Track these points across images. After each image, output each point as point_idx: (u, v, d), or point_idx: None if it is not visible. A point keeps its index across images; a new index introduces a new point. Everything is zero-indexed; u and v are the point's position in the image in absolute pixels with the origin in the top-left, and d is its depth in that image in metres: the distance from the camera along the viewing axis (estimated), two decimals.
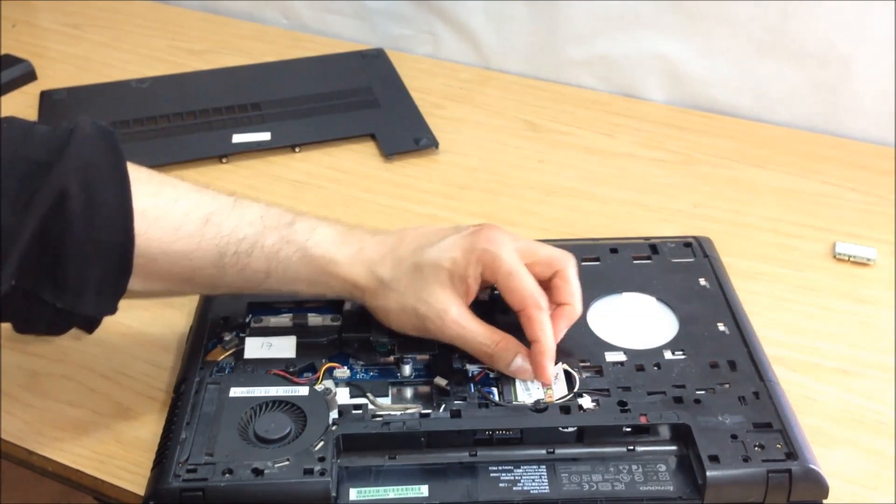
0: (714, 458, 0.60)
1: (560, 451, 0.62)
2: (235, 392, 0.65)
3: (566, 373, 0.66)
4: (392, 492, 0.60)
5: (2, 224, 0.57)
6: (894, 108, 0.99)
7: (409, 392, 0.67)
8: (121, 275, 0.62)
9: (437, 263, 0.65)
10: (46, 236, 0.59)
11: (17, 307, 0.61)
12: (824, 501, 0.60)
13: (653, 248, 0.79)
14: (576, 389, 0.65)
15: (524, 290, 0.64)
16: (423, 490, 0.60)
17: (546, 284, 0.67)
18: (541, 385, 0.65)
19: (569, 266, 0.67)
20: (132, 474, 0.66)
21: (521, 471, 0.61)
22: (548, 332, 0.65)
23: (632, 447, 0.62)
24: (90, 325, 0.64)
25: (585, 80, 1.12)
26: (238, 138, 1.00)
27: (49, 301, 0.60)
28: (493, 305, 0.70)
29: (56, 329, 0.63)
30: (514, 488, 0.60)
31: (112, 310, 0.64)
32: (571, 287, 0.67)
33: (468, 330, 0.65)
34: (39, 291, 0.60)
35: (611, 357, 0.68)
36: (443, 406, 0.64)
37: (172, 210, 0.63)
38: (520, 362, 0.65)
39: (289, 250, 0.66)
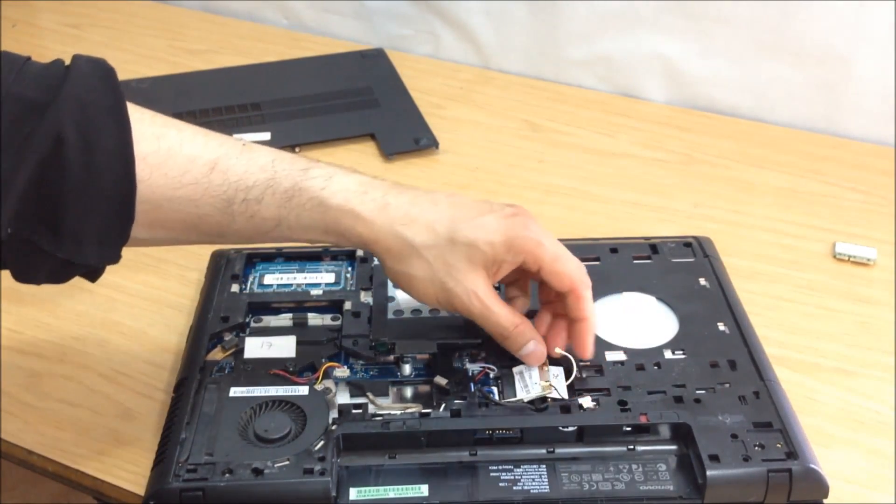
0: (714, 458, 0.60)
1: (560, 451, 0.62)
2: (235, 392, 0.65)
3: (566, 371, 0.66)
4: (392, 491, 0.60)
5: None
6: (894, 108, 0.99)
7: (409, 391, 0.67)
8: (123, 223, 0.59)
9: (473, 244, 0.62)
10: (43, 184, 0.56)
11: (16, 255, 0.58)
12: (824, 501, 0.60)
13: (653, 248, 0.79)
14: (572, 378, 0.65)
15: (573, 271, 0.64)
16: (423, 490, 0.60)
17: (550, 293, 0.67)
18: (539, 380, 0.65)
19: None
20: (132, 474, 0.66)
21: (521, 470, 0.61)
22: (593, 310, 0.65)
23: (632, 446, 0.62)
24: (93, 274, 0.61)
25: (585, 80, 1.12)
26: (238, 138, 0.99)
27: (48, 251, 0.57)
28: None
29: (57, 278, 0.61)
30: (515, 488, 0.60)
31: (115, 258, 0.61)
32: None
33: (491, 310, 0.64)
34: (38, 241, 0.57)
35: (611, 356, 0.68)
36: (443, 405, 0.64)
37: (177, 155, 0.60)
38: (532, 347, 0.65)
39: (302, 198, 0.62)
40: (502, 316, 0.64)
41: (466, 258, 0.63)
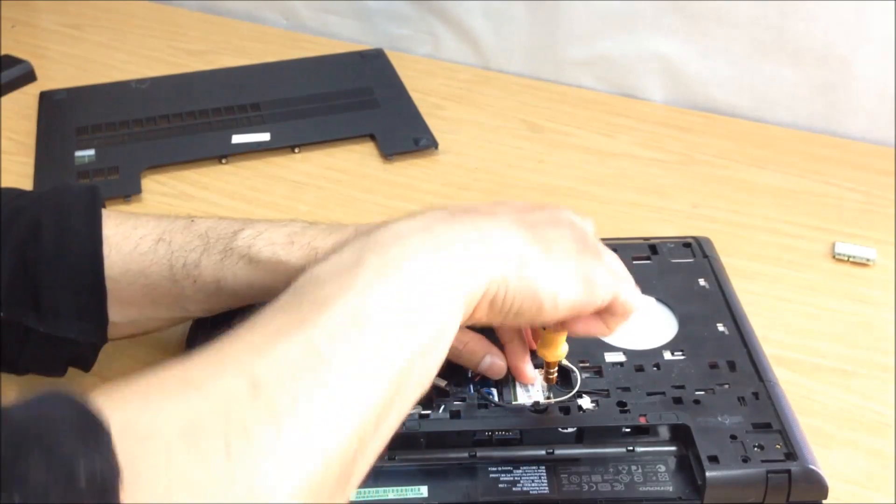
0: (713, 459, 0.60)
1: (560, 452, 0.62)
2: None
3: (566, 372, 0.66)
4: (392, 492, 0.60)
5: None
6: (894, 108, 0.99)
7: None
8: (97, 297, 0.65)
9: None
10: (24, 264, 0.64)
11: (11, 342, 0.65)
12: (824, 502, 0.60)
13: (652, 248, 0.79)
14: (576, 389, 0.65)
15: None
16: (422, 490, 0.60)
17: None
18: (542, 387, 0.65)
19: None
20: None
21: (520, 471, 0.61)
22: (519, 334, 0.65)
23: (631, 448, 0.62)
24: (84, 361, 0.69)
25: (585, 81, 1.12)
26: (238, 139, 1.00)
27: (33, 327, 0.64)
28: None
29: (48, 364, 0.68)
30: (514, 489, 0.60)
31: (98, 336, 0.67)
32: None
33: None
34: (25, 320, 0.64)
35: (610, 357, 0.68)
36: (442, 407, 0.64)
37: (131, 235, 0.67)
38: (489, 361, 0.65)
39: (233, 259, 0.66)
40: None
41: None
